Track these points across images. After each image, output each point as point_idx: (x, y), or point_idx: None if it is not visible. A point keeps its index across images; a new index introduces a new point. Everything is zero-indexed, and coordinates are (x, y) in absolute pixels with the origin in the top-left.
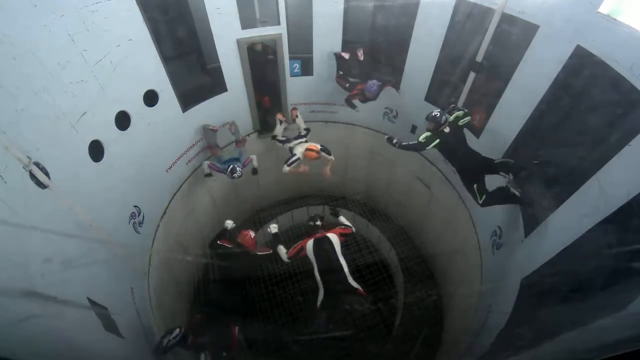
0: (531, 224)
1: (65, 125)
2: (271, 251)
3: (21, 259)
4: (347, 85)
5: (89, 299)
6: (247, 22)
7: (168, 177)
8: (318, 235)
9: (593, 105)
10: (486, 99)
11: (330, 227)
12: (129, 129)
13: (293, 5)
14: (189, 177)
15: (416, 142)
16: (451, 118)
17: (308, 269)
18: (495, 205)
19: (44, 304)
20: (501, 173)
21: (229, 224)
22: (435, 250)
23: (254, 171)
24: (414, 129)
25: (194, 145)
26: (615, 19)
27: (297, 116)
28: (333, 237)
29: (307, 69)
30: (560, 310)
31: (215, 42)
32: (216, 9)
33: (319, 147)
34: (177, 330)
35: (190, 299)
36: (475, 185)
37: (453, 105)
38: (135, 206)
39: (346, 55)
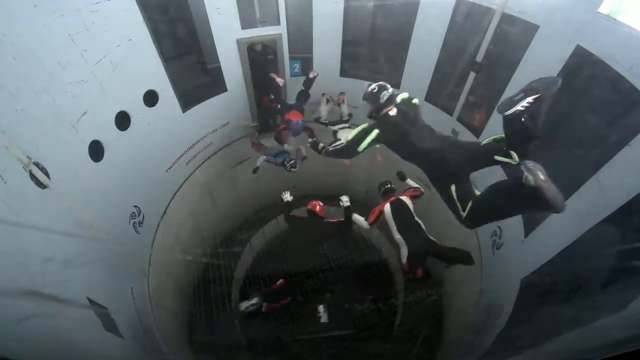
0: (531, 224)
1: (65, 125)
2: (343, 219)
3: (21, 259)
4: (279, 106)
5: (88, 299)
6: (247, 22)
7: (168, 177)
8: (392, 199)
9: (593, 105)
10: (486, 99)
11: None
12: (129, 129)
13: (293, 5)
14: (189, 177)
15: (343, 143)
16: (399, 99)
17: (308, 269)
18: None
19: (44, 303)
20: (497, 158)
21: (287, 195)
22: None
23: (303, 158)
24: None
25: (194, 145)
26: (615, 19)
27: (343, 101)
28: (406, 199)
29: (307, 69)
30: (560, 310)
31: (215, 42)
32: (216, 9)
33: None
34: (256, 298)
35: (190, 299)
36: (452, 188)
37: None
38: (135, 206)
39: (280, 82)
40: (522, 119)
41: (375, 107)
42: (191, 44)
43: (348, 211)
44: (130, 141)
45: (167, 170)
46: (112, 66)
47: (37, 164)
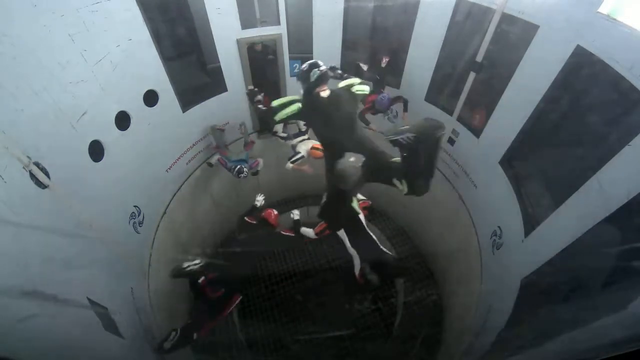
0: (531, 224)
1: (65, 125)
2: (294, 234)
3: (21, 259)
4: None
5: (88, 299)
6: (247, 22)
7: (168, 177)
8: None
9: (593, 105)
10: (486, 99)
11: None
12: (129, 129)
13: (293, 5)
14: (189, 177)
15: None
16: (343, 84)
17: (308, 269)
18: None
19: (44, 303)
20: (394, 181)
21: (260, 200)
22: (435, 250)
23: (255, 173)
24: None
25: (194, 145)
26: (615, 19)
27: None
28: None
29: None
30: (561, 310)
31: (215, 42)
32: (216, 9)
33: None
34: (173, 333)
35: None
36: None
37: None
38: (135, 206)
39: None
40: (404, 154)
41: (306, 86)
42: (191, 44)
43: (297, 225)
44: (130, 141)
45: (167, 170)
46: (112, 66)
47: (37, 164)
